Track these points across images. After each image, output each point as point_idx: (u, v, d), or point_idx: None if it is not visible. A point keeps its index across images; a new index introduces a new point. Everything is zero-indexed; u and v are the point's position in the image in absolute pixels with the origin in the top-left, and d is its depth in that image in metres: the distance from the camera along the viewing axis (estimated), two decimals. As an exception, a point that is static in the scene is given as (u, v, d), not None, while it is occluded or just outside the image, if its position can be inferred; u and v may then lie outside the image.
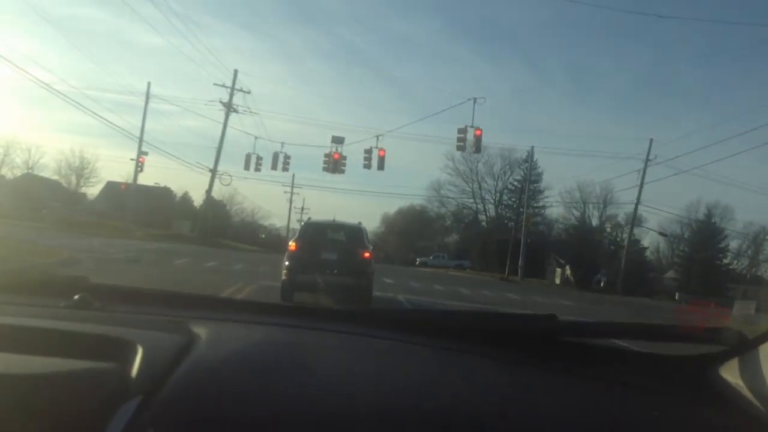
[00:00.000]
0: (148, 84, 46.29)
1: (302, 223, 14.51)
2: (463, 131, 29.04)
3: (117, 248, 23.38)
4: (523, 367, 1.21)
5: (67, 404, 0.84)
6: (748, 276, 58.85)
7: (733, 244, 59.43)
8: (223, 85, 43.02)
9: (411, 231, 72.43)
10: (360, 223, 13.97)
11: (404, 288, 19.70)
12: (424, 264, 57.79)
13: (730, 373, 1.13)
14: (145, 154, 45.25)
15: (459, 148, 30.28)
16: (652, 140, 45.24)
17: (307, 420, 0.87)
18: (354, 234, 13.26)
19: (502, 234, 58.24)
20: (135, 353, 0.98)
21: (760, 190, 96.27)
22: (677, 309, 26.14)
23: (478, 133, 28.77)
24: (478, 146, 29.80)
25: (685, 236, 59.96)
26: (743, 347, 1.14)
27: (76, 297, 1.33)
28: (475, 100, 28.57)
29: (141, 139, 44.11)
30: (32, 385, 0.87)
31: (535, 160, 56.06)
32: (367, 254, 12.62)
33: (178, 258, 22.16)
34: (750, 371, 1.09)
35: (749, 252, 61.98)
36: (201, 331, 1.14)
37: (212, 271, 18.90)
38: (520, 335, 1.33)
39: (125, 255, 20.58)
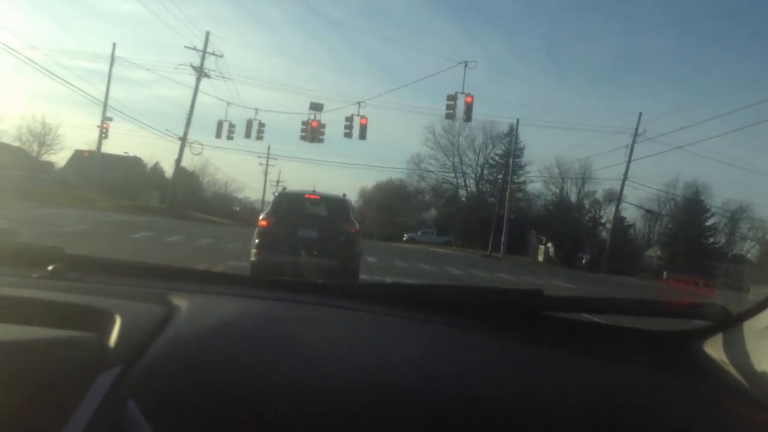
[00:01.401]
0: (113, 45, 44.00)
1: (275, 194, 12.24)
2: (452, 98, 27.03)
3: (71, 219, 21.24)
4: (509, 341, 1.20)
5: (43, 373, 0.83)
6: (729, 255, 58.30)
7: (710, 222, 58.63)
8: (194, 48, 40.74)
9: (390, 206, 70.69)
10: (344, 194, 11.86)
11: (390, 269, 17.85)
12: (412, 240, 55.90)
13: (714, 349, 1.13)
14: (110, 119, 42.66)
15: (448, 116, 28.25)
16: (641, 114, 43.89)
17: (288, 391, 0.87)
18: (338, 207, 11.09)
19: (483, 209, 57.00)
20: (113, 323, 0.97)
21: (741, 166, 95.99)
22: (663, 282, 25.24)
23: (469, 100, 26.83)
24: (468, 114, 27.70)
25: (669, 214, 59.22)
26: (728, 323, 1.12)
27: (51, 267, 1.30)
28: (466, 64, 26.61)
29: (105, 104, 41.59)
30: (5, 353, 0.85)
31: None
32: (353, 231, 10.52)
33: (137, 231, 20.03)
34: (734, 347, 1.08)
35: (726, 230, 61.36)
36: (181, 302, 1.12)
37: (173, 247, 16.86)
38: (506, 310, 1.33)
39: (76, 227, 18.53)
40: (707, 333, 1.17)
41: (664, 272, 43.78)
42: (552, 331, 1.28)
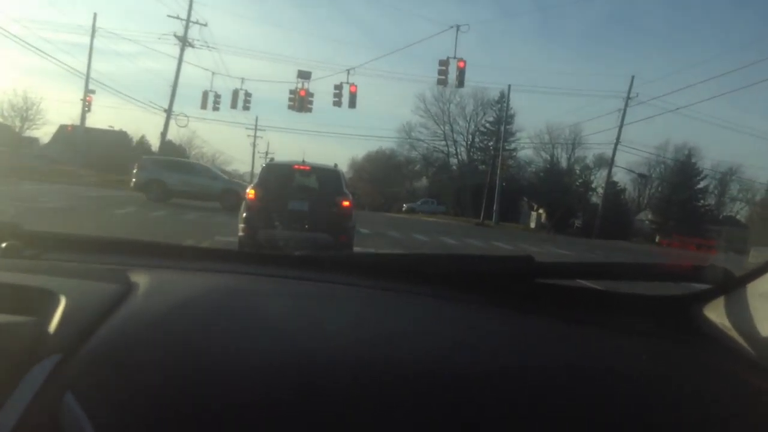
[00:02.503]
0: (94, 15, 42.72)
1: (263, 165, 11.65)
2: (444, 63, 26.45)
3: (53, 196, 20.59)
4: (501, 310, 1.16)
5: None
6: (720, 217, 58.49)
7: (701, 184, 58.62)
8: (178, 17, 39.69)
9: (380, 176, 70.20)
10: (336, 165, 11.32)
11: (384, 240, 17.39)
12: (412, 210, 55.17)
13: (716, 313, 1.08)
14: (93, 92, 41.86)
15: (440, 82, 27.71)
16: (633, 78, 43.37)
17: (254, 371, 0.80)
18: (329, 178, 10.57)
19: (474, 177, 56.61)
20: (57, 306, 0.88)
21: (731, 127, 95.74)
22: (662, 242, 25.26)
23: (461, 64, 26.28)
24: (461, 79, 27.05)
25: (660, 177, 59.22)
26: (729, 285, 1.08)
27: (4, 245, 1.21)
28: (458, 28, 25.89)
29: (87, 76, 40.61)
30: None
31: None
32: (346, 203, 10.01)
33: (122, 207, 19.40)
34: (736, 310, 1.04)
35: (716, 192, 61.35)
36: (141, 279, 1.05)
37: (158, 222, 16.28)
38: (497, 278, 1.29)
39: (59, 204, 17.90)
40: (709, 297, 1.11)
41: (657, 236, 43.87)
42: (546, 298, 1.22)
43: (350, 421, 0.75)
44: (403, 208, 56.86)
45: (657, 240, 41.13)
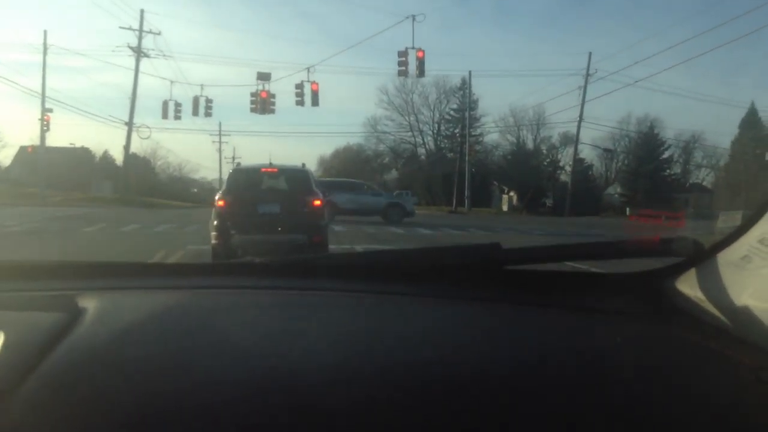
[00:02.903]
0: (44, 33, 41.76)
1: (231, 171, 11.53)
2: (403, 54, 26.41)
3: (18, 218, 20.27)
4: (471, 302, 1.14)
5: None
6: (687, 185, 59.46)
7: (666, 155, 59.50)
8: (130, 28, 39.16)
9: (350, 171, 69.95)
10: (304, 164, 11.28)
11: (359, 235, 17.33)
12: None
13: (689, 286, 1.06)
14: (50, 111, 40.82)
15: (401, 73, 27.64)
16: (590, 54, 43.66)
17: (212, 396, 0.74)
18: (298, 179, 10.51)
19: (443, 166, 56.67)
20: None
21: (690, 96, 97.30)
22: (630, 218, 25.68)
23: (420, 54, 26.24)
24: (421, 69, 26.99)
25: (625, 151, 59.96)
26: (700, 257, 1.07)
27: None
28: (414, 18, 25.85)
29: (43, 95, 39.70)
30: None
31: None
32: (317, 202, 9.96)
33: (91, 224, 19.08)
34: (708, 282, 1.02)
35: (681, 160, 62.24)
36: (89, 303, 0.99)
37: (129, 237, 16.07)
38: (465, 268, 1.26)
39: (25, 226, 17.59)
40: (680, 270, 1.10)
41: (627, 209, 44.45)
42: (516, 285, 1.20)
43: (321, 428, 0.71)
44: None
45: (628, 212, 41.68)
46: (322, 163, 75.46)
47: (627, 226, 24.71)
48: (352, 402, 0.75)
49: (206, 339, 0.92)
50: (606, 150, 55.98)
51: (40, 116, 40.55)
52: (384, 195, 27.35)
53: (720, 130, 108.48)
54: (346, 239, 15.17)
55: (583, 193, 48.17)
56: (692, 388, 0.85)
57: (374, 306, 1.13)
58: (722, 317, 0.97)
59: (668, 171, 58.16)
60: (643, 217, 32.37)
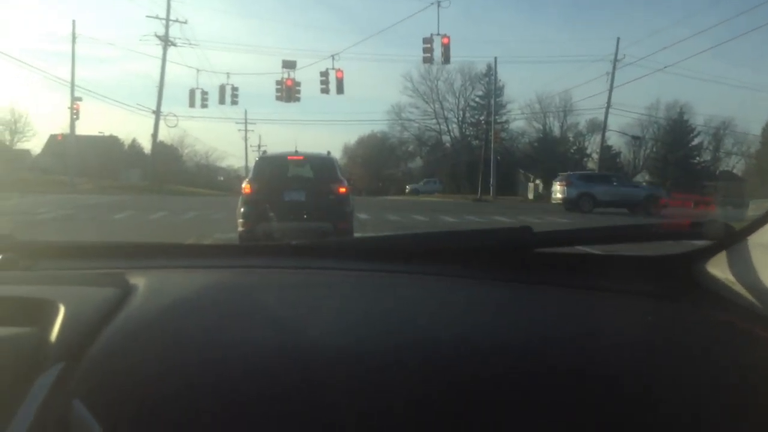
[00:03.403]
0: (73, 22, 42.43)
1: (257, 159, 11.62)
2: (428, 41, 26.38)
3: (50, 206, 20.59)
4: (503, 282, 1.16)
5: None
6: (717, 172, 58.41)
7: (695, 141, 58.46)
8: (157, 17, 39.55)
9: (375, 160, 69.95)
10: (329, 152, 11.30)
11: (384, 224, 17.35)
12: (416, 192, 54.62)
13: (719, 269, 1.08)
14: (79, 99, 41.60)
15: (426, 60, 27.62)
16: (618, 39, 42.96)
17: (257, 364, 0.80)
18: (323, 166, 10.56)
19: (468, 153, 56.34)
20: (56, 315, 0.88)
21: (720, 81, 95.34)
22: (662, 201, 25.62)
23: (445, 41, 26.23)
24: (447, 56, 27.01)
25: (653, 137, 59.04)
26: (730, 240, 1.08)
27: (0, 257, 1.21)
28: (439, 3, 25.71)
29: (72, 84, 40.37)
30: None
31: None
32: (342, 190, 10.00)
33: (120, 211, 19.40)
34: (739, 264, 1.04)
35: (711, 147, 61.17)
36: (138, 281, 1.04)
37: (158, 224, 16.33)
38: (496, 251, 1.28)
39: (57, 213, 17.91)
40: (710, 252, 1.10)
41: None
42: (548, 267, 1.21)
43: (358, 404, 0.74)
44: (407, 190, 56.53)
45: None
46: (347, 151, 75.47)
47: (655, 212, 24.58)
48: (380, 373, 0.79)
49: (248, 313, 0.96)
50: (634, 137, 55.08)
51: (69, 105, 41.28)
52: (642, 187, 27.70)
53: (751, 117, 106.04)
54: (369, 227, 15.22)
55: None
56: (723, 366, 0.86)
57: (401, 285, 1.15)
58: (753, 298, 0.98)
59: (698, 158, 57.26)
60: (673, 200, 31.95)
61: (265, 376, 0.77)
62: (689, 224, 1.19)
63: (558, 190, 26.55)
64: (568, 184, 26.06)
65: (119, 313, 0.90)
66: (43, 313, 0.89)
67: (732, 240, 1.08)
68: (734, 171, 60.93)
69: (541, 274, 1.19)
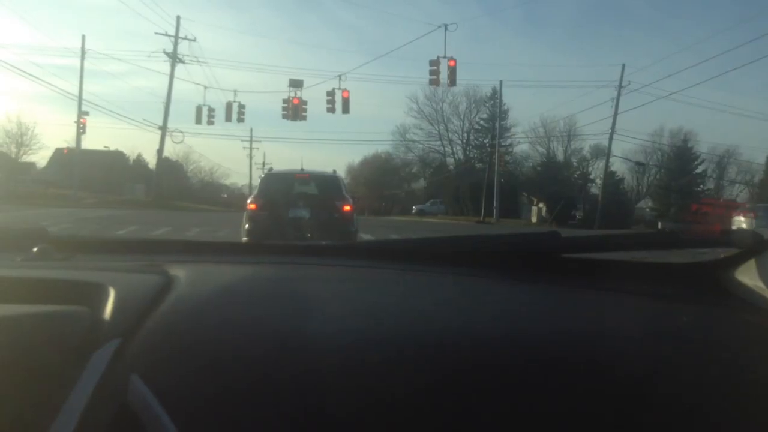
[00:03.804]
0: (83, 37, 42.87)
1: (262, 176, 11.64)
2: (435, 63, 26.39)
3: (54, 219, 20.60)
4: (533, 283, 1.17)
5: (31, 351, 0.77)
6: (720, 201, 58.34)
7: (699, 169, 58.45)
8: (166, 34, 39.81)
9: (378, 180, 70.09)
10: (334, 171, 11.31)
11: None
12: (422, 212, 54.68)
13: (748, 276, 1.08)
14: (86, 114, 41.73)
15: (432, 82, 27.62)
16: (624, 66, 43.11)
17: (303, 350, 0.83)
18: (328, 184, 10.57)
19: (472, 176, 56.43)
20: (107, 296, 0.91)
21: (724, 110, 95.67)
22: (693, 207, 25.05)
23: (452, 63, 26.24)
24: (453, 78, 27.02)
25: (657, 164, 59.07)
26: (759, 247, 1.09)
27: (36, 249, 1.20)
28: (446, 27, 25.85)
29: (80, 98, 40.55)
30: None
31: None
32: (347, 208, 10.00)
33: (123, 227, 19.39)
34: None
35: (714, 175, 61.18)
36: (179, 272, 1.06)
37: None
38: (526, 255, 1.28)
39: (60, 227, 17.83)
40: (739, 260, 1.10)
41: (659, 222, 43.76)
42: (576, 271, 1.21)
43: (404, 391, 0.76)
44: (413, 210, 56.60)
45: (659, 226, 40.99)
46: (350, 170, 75.64)
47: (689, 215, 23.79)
48: (422, 361, 0.81)
49: (291, 302, 0.99)
50: (638, 163, 55.14)
51: (76, 119, 41.47)
52: None
53: (755, 145, 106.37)
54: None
55: (614, 206, 47.47)
56: (760, 371, 0.85)
57: (434, 283, 1.16)
58: None
59: (701, 186, 57.21)
60: (706, 206, 31.87)
61: (306, 360, 0.80)
62: (719, 231, 1.19)
63: (743, 221, 23.08)
64: (755, 216, 22.97)
65: (167, 297, 0.93)
66: (93, 294, 0.91)
67: (761, 248, 1.08)
68: (738, 200, 60.91)
69: (568, 276, 1.18)
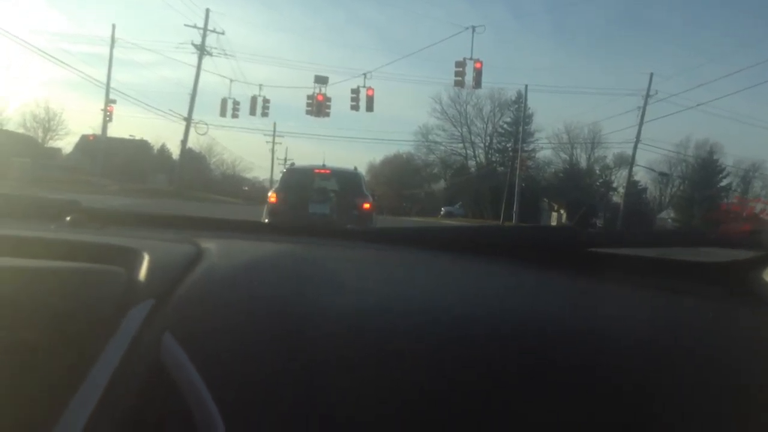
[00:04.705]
0: (113, 26, 43.34)
1: (284, 170, 11.73)
2: (461, 64, 26.36)
3: (78, 205, 20.75)
4: (559, 273, 1.15)
5: (68, 302, 0.81)
6: (744, 215, 57.49)
7: (724, 182, 57.79)
8: (195, 26, 40.03)
9: (398, 180, 70.03)
10: (356, 168, 11.36)
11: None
12: (450, 214, 54.61)
13: None
14: (114, 102, 42.12)
15: (457, 83, 27.57)
16: (652, 75, 42.66)
17: (325, 319, 0.85)
18: (349, 181, 10.60)
19: (493, 179, 56.22)
20: (141, 260, 0.93)
21: (752, 123, 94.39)
22: (723, 206, 24.55)
23: (478, 65, 26.14)
24: (478, 80, 26.93)
25: (681, 175, 58.48)
26: None
27: (69, 218, 1.23)
28: (473, 29, 25.81)
29: (108, 86, 40.94)
30: (32, 277, 0.83)
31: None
32: (367, 206, 10.04)
33: (145, 215, 19.52)
34: None
35: (738, 190, 60.33)
36: (209, 245, 1.07)
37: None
38: (549, 247, 1.27)
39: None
40: (767, 261, 1.06)
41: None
42: (599, 264, 1.19)
43: (431, 370, 0.78)
44: (441, 212, 56.42)
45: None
46: (371, 169, 75.64)
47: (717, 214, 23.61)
48: (449, 342, 0.82)
49: (304, 275, 1.01)
50: (662, 174, 54.63)
51: (103, 106, 41.95)
52: None
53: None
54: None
55: (636, 215, 47.13)
56: None
57: (459, 267, 1.17)
58: None
59: (725, 200, 56.48)
60: (736, 206, 31.50)
61: (329, 327, 0.82)
62: (746, 232, 1.17)
63: None
64: None
65: (199, 265, 0.95)
66: (128, 257, 0.93)
67: None
68: (761, 216, 59.89)
69: (589, 269, 1.18)
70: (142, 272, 0.89)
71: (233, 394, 0.74)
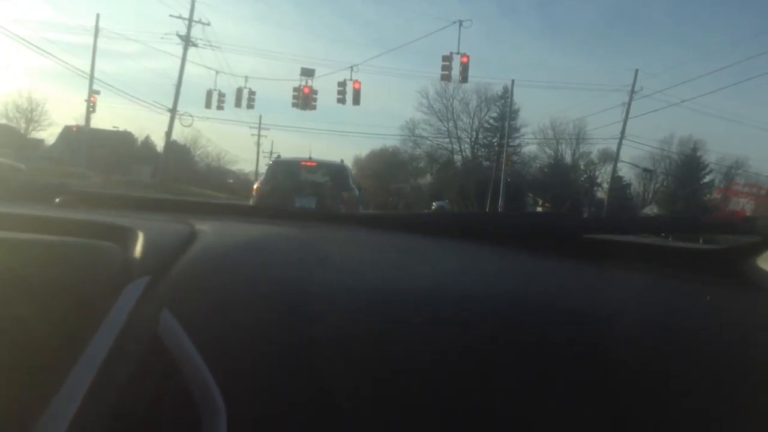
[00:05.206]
0: (97, 16, 42.65)
1: (270, 162, 11.67)
2: (447, 59, 26.31)
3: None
4: (556, 259, 1.13)
5: (63, 276, 0.80)
6: (727, 210, 58.22)
7: (707, 179, 58.38)
8: (180, 17, 39.68)
9: (384, 174, 69.98)
10: (342, 161, 11.33)
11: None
12: (442, 208, 54.61)
13: None
14: (97, 93, 41.70)
15: (444, 77, 27.57)
16: (637, 71, 42.98)
17: (320, 295, 0.85)
18: (336, 174, 10.58)
19: (478, 174, 56.39)
20: (136, 237, 0.92)
21: (736, 120, 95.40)
22: (720, 190, 24.90)
23: (465, 60, 26.15)
24: (465, 75, 26.95)
25: (665, 172, 59.02)
26: None
27: (58, 200, 1.24)
28: (461, 23, 25.82)
29: (92, 76, 40.52)
30: (25, 250, 0.83)
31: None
32: (353, 199, 10.04)
33: (129, 206, 19.38)
34: None
35: (721, 186, 60.98)
36: (204, 226, 1.07)
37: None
38: (545, 233, 1.26)
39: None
40: (762, 248, 1.06)
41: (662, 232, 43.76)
42: (596, 250, 1.18)
43: (430, 350, 0.78)
44: (433, 207, 56.46)
45: (662, 235, 41.03)
46: (357, 162, 75.48)
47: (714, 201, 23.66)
48: (447, 323, 0.82)
49: (298, 254, 1.01)
50: (645, 170, 55.07)
51: (87, 97, 41.51)
52: None
53: (765, 157, 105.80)
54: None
55: (619, 211, 47.50)
56: None
57: (443, 249, 1.16)
58: None
59: (708, 196, 57.09)
60: (734, 191, 31.80)
61: (323, 302, 0.83)
62: (742, 218, 1.18)
63: None
64: None
65: (194, 244, 0.95)
66: (123, 235, 0.92)
67: None
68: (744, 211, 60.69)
69: (588, 254, 1.18)
70: (138, 250, 0.88)
71: (232, 370, 0.74)
